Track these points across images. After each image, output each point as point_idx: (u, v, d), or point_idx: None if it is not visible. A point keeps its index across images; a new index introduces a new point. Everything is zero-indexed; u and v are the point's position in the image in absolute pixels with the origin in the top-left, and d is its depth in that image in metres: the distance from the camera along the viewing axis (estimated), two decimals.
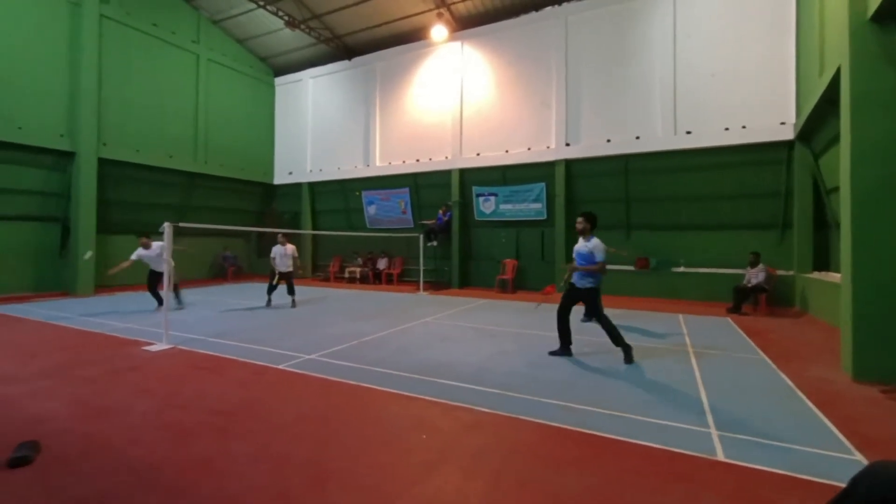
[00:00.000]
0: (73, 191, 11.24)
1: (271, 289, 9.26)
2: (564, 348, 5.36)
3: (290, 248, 9.28)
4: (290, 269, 9.24)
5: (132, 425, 3.28)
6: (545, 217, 12.35)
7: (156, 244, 8.28)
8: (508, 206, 12.89)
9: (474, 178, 13.35)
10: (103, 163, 11.83)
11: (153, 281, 8.50)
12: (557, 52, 11.98)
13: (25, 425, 3.26)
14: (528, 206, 12.56)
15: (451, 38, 13.41)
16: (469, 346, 5.78)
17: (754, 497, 2.39)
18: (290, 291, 9.29)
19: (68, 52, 11.28)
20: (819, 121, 7.77)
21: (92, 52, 11.53)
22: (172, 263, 5.99)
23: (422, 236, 12.83)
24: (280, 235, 9.43)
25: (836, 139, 6.79)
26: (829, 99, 6.48)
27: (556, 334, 5.45)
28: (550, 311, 5.63)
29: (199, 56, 14.48)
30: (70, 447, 2.92)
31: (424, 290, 12.34)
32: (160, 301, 8.16)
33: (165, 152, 13.56)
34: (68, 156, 11.22)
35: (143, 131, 12.96)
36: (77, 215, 11.11)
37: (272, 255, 9.30)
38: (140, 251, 8.36)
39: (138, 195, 13.17)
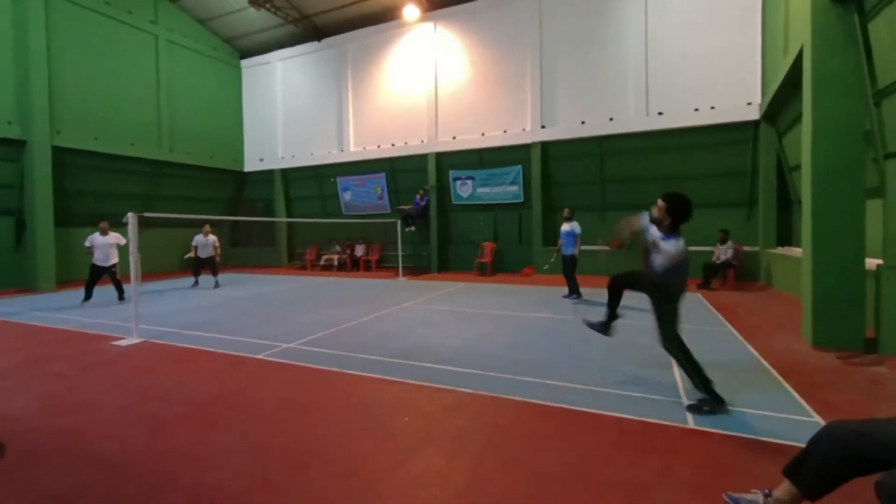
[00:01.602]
0: (26, 182, 10.61)
1: (196, 272, 10.82)
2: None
3: (212, 238, 10.67)
4: (211, 255, 10.61)
5: (105, 420, 3.19)
6: (522, 199, 12.42)
7: (112, 235, 8.46)
8: (485, 190, 12.90)
9: (451, 161, 13.27)
10: (59, 151, 11.17)
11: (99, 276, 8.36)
12: (532, 33, 11.90)
13: None
14: (505, 188, 12.60)
15: (424, 19, 13.13)
16: (449, 330, 5.82)
17: (723, 461, 2.51)
18: (214, 273, 10.74)
19: (13, 34, 10.51)
20: (783, 101, 8.02)
21: (39, 34, 10.76)
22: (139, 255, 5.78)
23: (399, 222, 12.74)
24: (206, 226, 10.72)
25: (798, 119, 7.01)
26: (793, 79, 6.67)
27: (535, 315, 5.53)
28: (532, 292, 5.74)
29: (157, 37, 13.73)
30: (40, 444, 2.82)
31: (403, 275, 12.31)
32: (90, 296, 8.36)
33: (127, 139, 12.92)
34: (19, 144, 10.55)
35: (101, 118, 12.27)
36: (32, 208, 10.51)
37: (194, 243, 10.62)
38: (97, 237, 8.34)
39: (100, 185, 12.55)
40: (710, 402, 3.16)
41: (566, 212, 8.20)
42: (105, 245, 8.27)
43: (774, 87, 7.85)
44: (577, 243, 7.83)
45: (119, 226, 6.73)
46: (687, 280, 3.31)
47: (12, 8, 10.50)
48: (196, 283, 10.75)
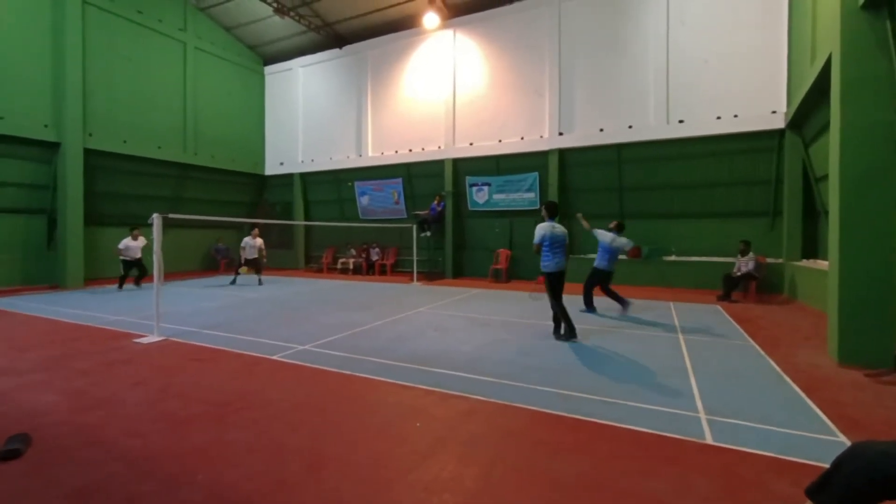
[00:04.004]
0: (59, 182, 11.04)
1: (237, 271, 11.75)
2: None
3: (259, 241, 11.60)
4: (256, 257, 11.56)
5: (127, 416, 3.28)
6: (538, 207, 12.36)
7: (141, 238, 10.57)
8: (502, 196, 12.88)
9: (467, 167, 13.31)
10: (90, 154, 11.61)
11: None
12: (551, 40, 11.90)
13: (19, 418, 3.24)
14: (522, 195, 12.56)
15: (444, 26, 13.26)
16: (463, 336, 5.81)
17: (741, 478, 2.45)
18: (259, 272, 11.76)
19: (51, 40, 10.99)
20: (810, 109, 7.82)
21: (76, 41, 11.24)
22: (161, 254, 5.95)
23: (415, 227, 12.80)
24: (255, 229, 11.68)
25: (826, 127, 6.84)
26: (820, 87, 6.51)
27: (550, 323, 5.53)
28: (543, 301, 5.71)
29: (186, 44, 14.18)
30: (65, 438, 2.92)
31: (418, 280, 12.35)
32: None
33: (154, 143, 13.33)
34: (53, 147, 10.99)
35: (130, 122, 12.71)
36: (64, 208, 10.92)
37: (242, 245, 11.54)
38: (128, 241, 10.44)
39: (127, 187, 12.97)
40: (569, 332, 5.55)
41: (613, 224, 7.68)
42: (135, 246, 10.56)
43: (801, 95, 7.66)
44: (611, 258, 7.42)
45: (145, 226, 7.14)
46: (561, 261, 5.90)
47: (51, 14, 10.98)
48: (234, 280, 11.62)
